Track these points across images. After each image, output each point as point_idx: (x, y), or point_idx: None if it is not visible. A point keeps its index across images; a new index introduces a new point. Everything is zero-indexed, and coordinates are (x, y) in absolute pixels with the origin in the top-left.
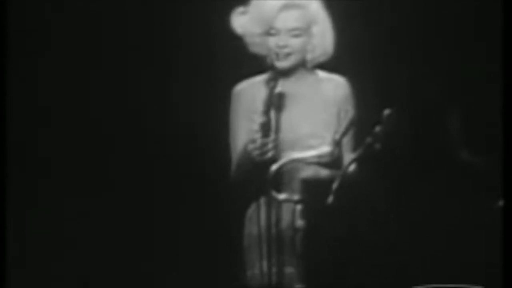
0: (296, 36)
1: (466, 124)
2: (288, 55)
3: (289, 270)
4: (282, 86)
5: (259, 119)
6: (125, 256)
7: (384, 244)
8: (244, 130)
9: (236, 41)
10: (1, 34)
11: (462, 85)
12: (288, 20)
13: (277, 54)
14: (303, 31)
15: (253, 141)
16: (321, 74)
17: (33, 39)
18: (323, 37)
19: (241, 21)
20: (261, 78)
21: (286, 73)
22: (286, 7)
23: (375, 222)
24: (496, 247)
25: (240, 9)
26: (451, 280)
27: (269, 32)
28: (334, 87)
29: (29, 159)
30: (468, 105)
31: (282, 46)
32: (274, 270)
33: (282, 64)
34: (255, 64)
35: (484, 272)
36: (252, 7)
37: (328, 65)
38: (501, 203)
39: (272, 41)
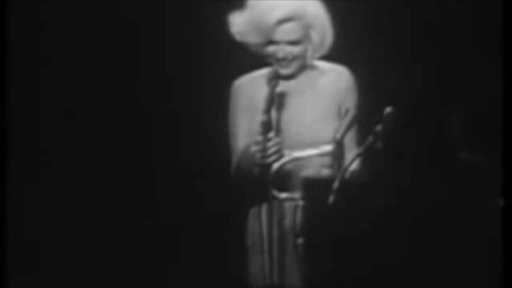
0: (296, 44)
1: (466, 124)
2: (289, 62)
3: (290, 269)
4: (282, 83)
5: (260, 117)
6: (126, 254)
7: (385, 243)
8: (244, 126)
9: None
10: (1, 33)
11: (462, 85)
12: (287, 33)
13: (278, 62)
14: (303, 38)
15: (256, 143)
16: (322, 65)
17: (33, 36)
18: (322, 38)
19: (239, 28)
20: (261, 73)
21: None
22: (283, 20)
23: (376, 221)
24: (496, 247)
25: (237, 14)
26: (451, 280)
27: (268, 43)
28: (336, 79)
29: (29, 156)
30: (469, 105)
31: (283, 57)
32: (275, 269)
33: (286, 71)
34: (255, 59)
35: (484, 272)
36: (250, 19)
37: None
38: (501, 203)
39: (272, 49)
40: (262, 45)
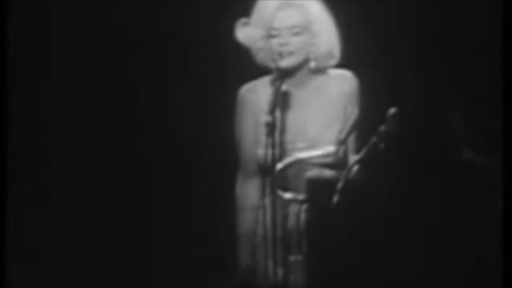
0: (297, 34)
1: (466, 123)
2: (290, 53)
3: (294, 269)
4: (287, 85)
5: (264, 119)
6: (126, 254)
7: (387, 243)
8: (250, 130)
9: (242, 46)
10: (1, 33)
11: (463, 85)
12: (287, 18)
13: (280, 54)
14: (303, 29)
15: None
16: (327, 70)
17: (33, 36)
18: (325, 36)
19: (243, 27)
20: (266, 79)
21: (290, 73)
22: (283, 6)
23: (378, 220)
24: (496, 248)
25: (243, 20)
26: (452, 280)
27: (270, 34)
28: (340, 84)
29: (29, 156)
30: (469, 105)
31: (284, 43)
32: (279, 269)
33: (285, 63)
34: (260, 68)
35: (484, 272)
36: (252, 13)
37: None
38: (501, 203)
39: (274, 42)
40: (264, 39)
